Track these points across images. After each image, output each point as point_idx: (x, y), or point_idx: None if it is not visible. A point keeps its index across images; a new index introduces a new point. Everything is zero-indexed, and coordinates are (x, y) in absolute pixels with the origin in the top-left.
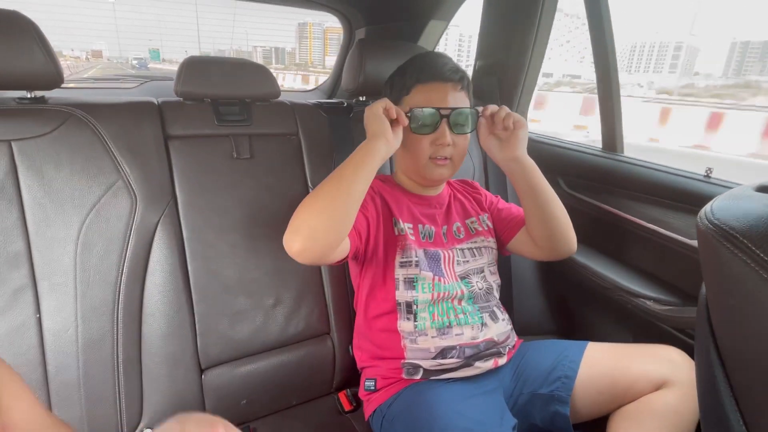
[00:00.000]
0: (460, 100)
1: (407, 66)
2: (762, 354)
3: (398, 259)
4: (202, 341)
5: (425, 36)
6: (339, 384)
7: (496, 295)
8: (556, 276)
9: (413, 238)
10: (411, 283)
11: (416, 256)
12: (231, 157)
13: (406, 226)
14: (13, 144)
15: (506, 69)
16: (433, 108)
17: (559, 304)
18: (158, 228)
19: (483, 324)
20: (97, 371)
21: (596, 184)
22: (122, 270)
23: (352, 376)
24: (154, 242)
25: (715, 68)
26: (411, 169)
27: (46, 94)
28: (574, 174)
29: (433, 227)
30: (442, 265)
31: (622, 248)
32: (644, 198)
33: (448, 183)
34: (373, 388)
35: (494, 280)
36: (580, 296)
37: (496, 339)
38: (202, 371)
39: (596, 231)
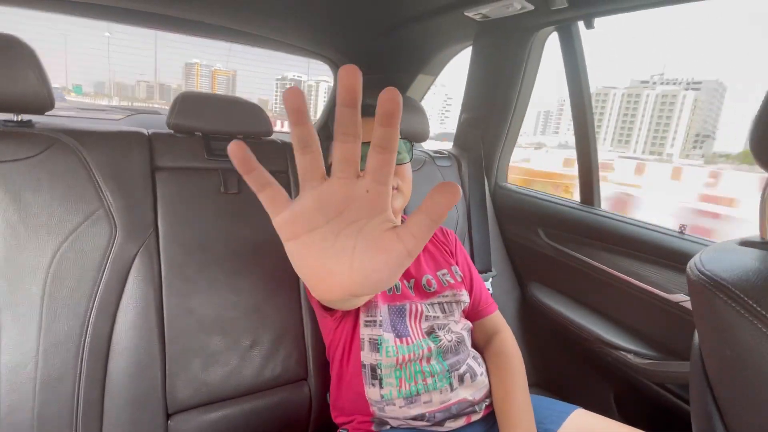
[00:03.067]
0: None
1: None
2: (763, 403)
3: (363, 317)
4: (171, 383)
5: (413, 89)
6: (315, 429)
7: (468, 343)
8: (537, 326)
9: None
10: (375, 344)
11: (380, 315)
12: (218, 192)
13: None
14: None
15: (489, 123)
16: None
17: (538, 355)
18: (136, 260)
19: (452, 385)
20: (53, 413)
21: (575, 236)
22: (93, 303)
23: (327, 425)
24: (129, 275)
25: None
26: None
27: (33, 118)
28: (554, 225)
29: (398, 281)
30: (408, 320)
31: (601, 300)
32: (621, 251)
33: None
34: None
35: (462, 327)
36: (560, 347)
37: (470, 398)
38: (168, 416)
39: (576, 282)
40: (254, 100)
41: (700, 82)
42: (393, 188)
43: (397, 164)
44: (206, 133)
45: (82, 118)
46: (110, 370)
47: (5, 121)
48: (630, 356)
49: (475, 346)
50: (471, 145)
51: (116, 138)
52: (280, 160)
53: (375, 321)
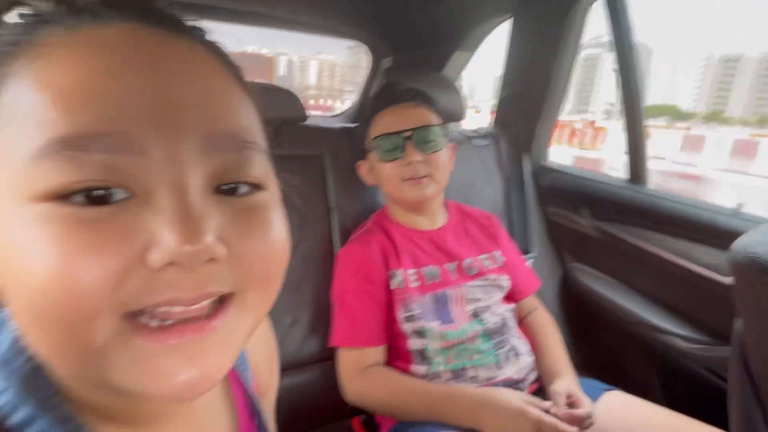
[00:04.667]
0: (420, 117)
1: (367, 102)
2: None
3: (401, 314)
4: None
5: (450, 66)
6: (353, 409)
7: (512, 324)
8: (577, 307)
9: (417, 284)
10: (420, 333)
11: (419, 308)
12: None
13: (408, 274)
14: None
15: (530, 99)
16: (391, 132)
17: (580, 338)
18: None
19: (499, 362)
20: None
21: (621, 216)
22: None
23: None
24: None
25: None
26: (393, 196)
27: None
28: (599, 205)
29: (437, 267)
30: (450, 307)
31: (647, 282)
32: (671, 231)
33: (461, 210)
34: None
35: (505, 309)
36: (603, 330)
37: (515, 377)
38: None
39: (621, 263)
40: None
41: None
42: (424, 177)
43: (429, 152)
44: None
45: None
46: None
47: None
48: (677, 340)
49: None
50: (511, 122)
51: None
52: (314, 145)
53: (414, 315)
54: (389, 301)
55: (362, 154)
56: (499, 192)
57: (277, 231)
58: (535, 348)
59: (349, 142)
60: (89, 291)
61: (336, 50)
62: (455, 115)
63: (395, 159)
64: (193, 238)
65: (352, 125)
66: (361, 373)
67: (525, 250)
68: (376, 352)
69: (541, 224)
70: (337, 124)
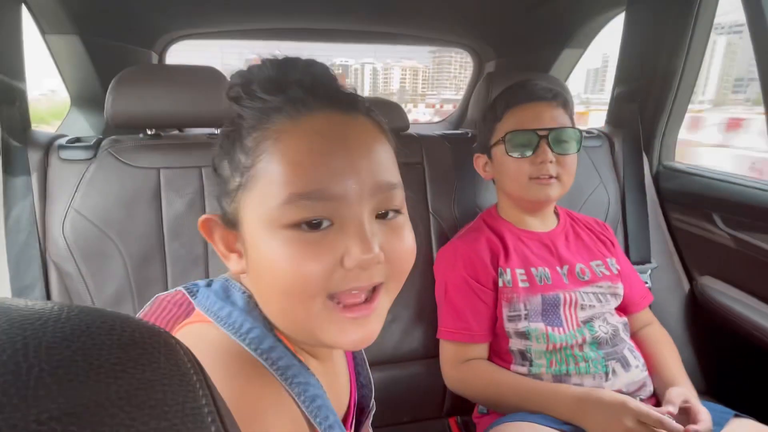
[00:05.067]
0: (558, 117)
1: (498, 96)
2: None
3: (506, 313)
4: None
5: (558, 65)
6: (450, 409)
7: (625, 336)
8: (707, 325)
9: (525, 285)
10: (523, 334)
11: (525, 309)
12: None
13: (516, 274)
14: (203, 169)
15: (649, 95)
16: (529, 128)
17: (710, 359)
18: None
19: (607, 373)
20: None
21: (761, 223)
22: None
23: (464, 403)
24: None
25: None
26: (514, 194)
27: None
28: (735, 210)
29: (547, 269)
30: (562, 311)
31: None
32: None
33: (570, 216)
34: (485, 411)
35: (618, 321)
36: (734, 352)
37: (624, 390)
38: None
39: (760, 277)
40: None
41: (742, 25)
42: (552, 177)
43: (562, 154)
44: None
45: None
46: None
47: (210, 134)
48: None
49: None
50: (627, 121)
51: None
52: (415, 153)
53: (519, 315)
54: (495, 299)
55: (482, 148)
56: (614, 196)
57: (410, 241)
58: (650, 362)
59: (447, 149)
60: (312, 280)
61: (418, 56)
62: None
63: (526, 156)
64: (368, 251)
65: (451, 132)
66: (461, 365)
67: (643, 261)
68: (479, 349)
69: (663, 232)
70: (438, 132)
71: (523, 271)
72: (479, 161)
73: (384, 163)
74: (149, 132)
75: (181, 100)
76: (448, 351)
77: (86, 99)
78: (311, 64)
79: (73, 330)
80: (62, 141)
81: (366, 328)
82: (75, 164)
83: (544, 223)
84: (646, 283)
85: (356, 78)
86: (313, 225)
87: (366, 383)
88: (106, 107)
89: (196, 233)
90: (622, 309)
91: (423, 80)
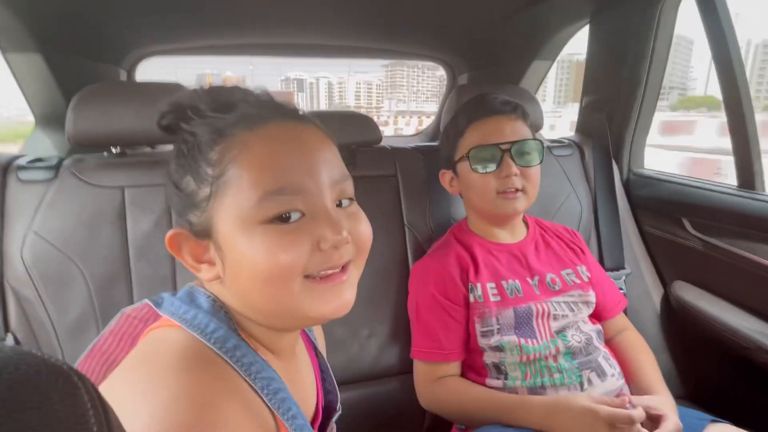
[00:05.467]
0: (518, 130)
1: (459, 110)
2: None
3: (478, 328)
4: None
5: (528, 77)
6: (429, 427)
7: (599, 344)
8: (680, 329)
9: (497, 299)
10: (496, 347)
11: (498, 323)
12: None
13: (487, 288)
14: None
15: (616, 104)
16: (490, 143)
17: (687, 364)
18: None
19: (582, 384)
20: None
21: (731, 227)
22: None
23: (444, 421)
24: None
25: None
26: (481, 208)
27: None
28: (704, 215)
29: (518, 281)
30: (534, 322)
31: (763, 301)
32: None
33: (539, 225)
34: (463, 427)
35: (591, 329)
36: (710, 355)
37: None
38: None
39: (732, 280)
40: None
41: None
42: (518, 190)
43: (526, 166)
44: None
45: None
46: None
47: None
48: None
49: None
50: (595, 129)
51: None
52: (389, 166)
53: (492, 330)
54: (467, 315)
55: (447, 163)
56: (586, 204)
57: (366, 222)
58: (625, 369)
59: (421, 161)
60: (290, 265)
61: (372, 69)
62: (535, 126)
63: (489, 172)
64: (338, 232)
65: (424, 144)
66: (434, 383)
67: (617, 267)
68: (451, 366)
69: (635, 238)
70: (410, 144)
71: (493, 284)
72: (445, 177)
73: (335, 160)
74: (114, 150)
75: (146, 116)
76: (420, 370)
77: (50, 118)
78: (244, 88)
79: None
80: (21, 161)
81: (343, 297)
82: (35, 185)
83: (513, 235)
84: (621, 289)
85: (312, 92)
86: (284, 218)
87: (331, 389)
88: (66, 126)
89: (163, 252)
90: (596, 316)
91: (377, 93)
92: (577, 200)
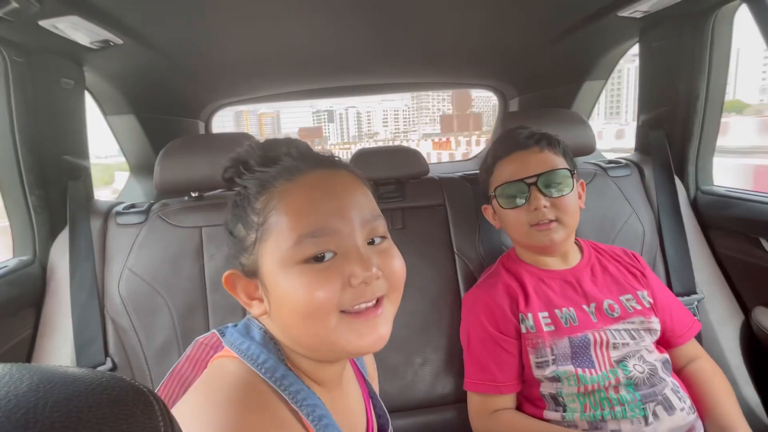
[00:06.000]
0: (545, 161)
1: (489, 148)
2: None
3: (533, 359)
4: None
5: (580, 98)
6: None
7: (665, 375)
8: (765, 359)
9: (551, 328)
10: (553, 378)
11: (552, 353)
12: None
13: (539, 318)
14: None
15: (675, 120)
16: (516, 179)
17: None
18: None
19: (647, 417)
20: None
21: None
22: None
23: None
24: None
25: None
26: (519, 241)
27: None
28: None
29: (572, 308)
30: (593, 351)
31: None
32: None
33: (596, 248)
34: None
35: (656, 358)
36: None
37: None
38: None
39: None
40: (295, 131)
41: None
42: (552, 221)
43: (556, 196)
44: (376, 180)
45: None
46: None
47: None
48: None
49: None
50: (655, 147)
51: None
52: (437, 195)
53: (546, 361)
54: (520, 346)
55: (486, 199)
56: (649, 226)
57: (398, 258)
58: (699, 403)
59: (468, 189)
60: (324, 301)
61: (398, 96)
62: (586, 148)
63: (519, 206)
64: (368, 268)
65: (472, 172)
66: (488, 416)
67: (687, 292)
68: (506, 399)
69: (708, 260)
70: (458, 173)
71: (546, 314)
72: (488, 212)
73: (365, 201)
74: (193, 195)
75: (218, 164)
76: (474, 402)
77: (142, 167)
78: (291, 141)
79: (75, 392)
80: (119, 208)
81: (378, 331)
82: (129, 228)
83: (566, 261)
84: (694, 315)
85: (342, 122)
86: (319, 258)
87: (381, 413)
88: (154, 177)
89: None
90: (664, 343)
91: (404, 119)
92: (639, 222)
